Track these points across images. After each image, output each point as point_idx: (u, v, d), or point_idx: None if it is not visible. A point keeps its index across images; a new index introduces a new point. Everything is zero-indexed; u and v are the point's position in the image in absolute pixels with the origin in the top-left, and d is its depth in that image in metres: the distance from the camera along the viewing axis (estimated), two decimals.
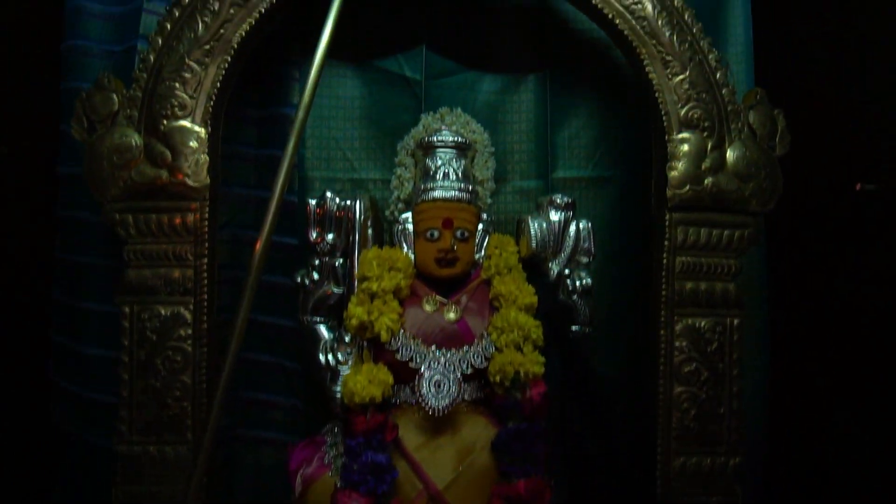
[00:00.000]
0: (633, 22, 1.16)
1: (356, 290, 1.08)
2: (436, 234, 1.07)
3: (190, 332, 1.10)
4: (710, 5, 1.39)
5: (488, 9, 1.35)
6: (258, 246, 0.97)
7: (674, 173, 1.12)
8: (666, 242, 1.13)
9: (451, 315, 1.04)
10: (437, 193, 1.09)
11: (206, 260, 1.12)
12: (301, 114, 1.00)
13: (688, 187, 1.12)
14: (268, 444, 1.33)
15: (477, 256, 1.15)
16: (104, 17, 1.34)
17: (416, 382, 0.98)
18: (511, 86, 1.40)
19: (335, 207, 1.17)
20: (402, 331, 1.02)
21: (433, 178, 1.11)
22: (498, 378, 1.00)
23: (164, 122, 1.11)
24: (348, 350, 1.07)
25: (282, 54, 1.33)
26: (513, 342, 1.01)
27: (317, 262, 1.18)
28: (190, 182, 1.10)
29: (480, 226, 1.16)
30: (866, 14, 1.29)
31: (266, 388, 1.36)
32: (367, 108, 1.36)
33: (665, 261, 1.13)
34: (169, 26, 1.13)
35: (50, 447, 1.34)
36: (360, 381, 0.97)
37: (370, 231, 1.17)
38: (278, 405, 1.36)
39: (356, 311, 1.02)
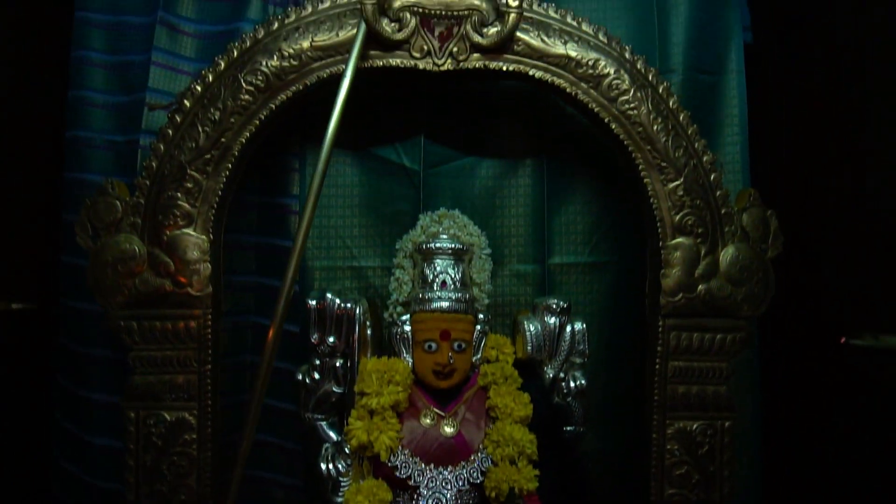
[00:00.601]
0: (629, 127, 1.17)
1: (356, 404, 1.10)
2: (433, 346, 1.10)
3: (195, 436, 1.13)
4: (705, 92, 1.41)
5: (486, 97, 1.36)
6: (266, 354, 1.01)
7: (667, 281, 1.15)
8: (659, 348, 1.15)
9: (449, 430, 1.07)
10: (435, 305, 1.11)
11: (209, 366, 1.14)
12: (307, 215, 1.04)
13: (681, 295, 1.14)
14: None
15: (475, 359, 1.18)
16: (106, 107, 1.36)
17: (416, 500, 1.01)
18: (508, 171, 1.41)
19: (335, 307, 1.20)
20: (400, 447, 1.05)
21: (431, 288, 1.13)
22: (493, 494, 1.03)
23: (167, 231, 1.13)
24: (348, 461, 1.10)
25: (282, 145, 1.35)
26: (508, 457, 1.04)
27: (317, 362, 1.20)
28: (193, 291, 1.13)
29: (478, 327, 1.18)
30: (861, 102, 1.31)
31: (268, 467, 1.39)
32: (366, 196, 1.38)
33: (658, 366, 1.15)
34: (171, 132, 1.15)
35: None
36: (360, 500, 1.00)
37: (369, 332, 1.20)
38: (279, 484, 1.39)
39: (357, 432, 1.05)
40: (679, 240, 1.15)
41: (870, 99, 1.31)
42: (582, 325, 1.20)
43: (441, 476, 1.04)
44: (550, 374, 1.18)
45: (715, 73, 1.43)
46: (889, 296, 1.15)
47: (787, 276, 1.20)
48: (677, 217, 1.16)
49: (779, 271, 1.19)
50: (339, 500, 1.08)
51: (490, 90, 1.36)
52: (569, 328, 1.19)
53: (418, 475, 1.04)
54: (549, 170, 1.40)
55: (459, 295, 1.13)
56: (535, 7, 1.19)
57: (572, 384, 1.18)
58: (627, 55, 1.20)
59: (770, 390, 1.33)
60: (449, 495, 1.01)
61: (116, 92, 1.36)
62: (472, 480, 1.05)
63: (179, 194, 1.13)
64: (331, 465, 1.11)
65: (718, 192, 1.18)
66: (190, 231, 1.13)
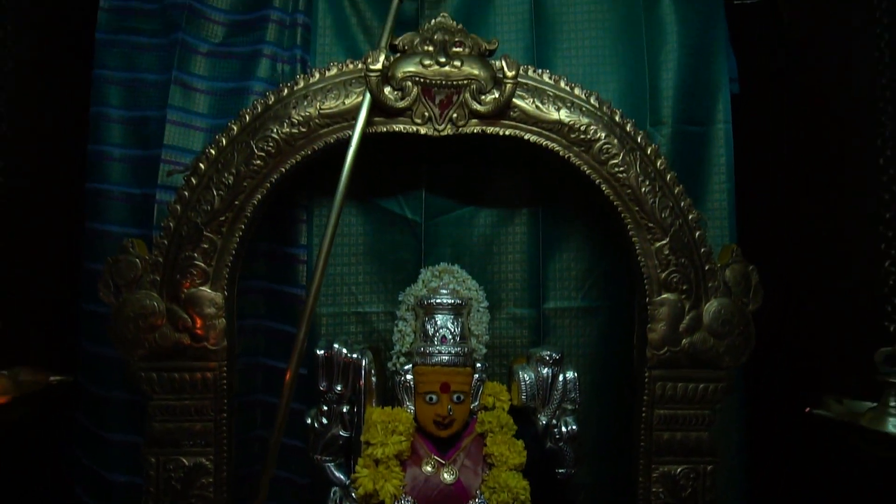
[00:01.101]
0: (619, 188, 1.24)
1: (362, 453, 1.18)
2: (434, 398, 1.18)
3: (211, 479, 1.21)
4: (694, 142, 1.48)
5: (484, 151, 1.43)
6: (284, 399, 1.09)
7: (653, 335, 1.22)
8: (645, 397, 1.23)
9: (449, 477, 1.15)
10: (436, 359, 1.19)
11: (225, 414, 1.22)
12: (317, 276, 1.13)
13: (666, 349, 1.22)
14: None
15: (473, 405, 1.25)
16: (124, 161, 1.43)
17: None
18: (506, 219, 1.49)
19: (342, 356, 1.27)
20: (404, 494, 1.13)
21: (432, 342, 1.21)
22: None
23: (185, 288, 1.20)
24: None
25: (290, 199, 1.42)
26: (503, 502, 1.12)
27: (325, 407, 1.28)
28: (209, 345, 1.20)
29: (476, 375, 1.26)
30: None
31: (278, 500, 1.47)
32: (370, 245, 1.46)
33: (644, 413, 1.23)
34: (187, 194, 1.22)
35: None
36: None
37: (374, 380, 1.28)
38: None
39: (363, 480, 1.13)
40: (665, 296, 1.23)
41: (849, 144, 1.38)
42: (573, 374, 1.28)
43: None
44: (544, 420, 1.26)
45: (703, 123, 1.50)
46: (866, 342, 1.22)
47: (772, 320, 1.27)
48: (663, 274, 1.23)
49: (764, 315, 1.26)
50: None
51: (488, 145, 1.43)
52: (561, 378, 1.27)
53: None
54: (544, 218, 1.48)
55: (458, 349, 1.21)
56: (530, 73, 1.26)
57: (564, 430, 1.26)
58: (618, 118, 1.27)
59: (756, 431, 1.41)
60: None
61: (133, 146, 1.44)
62: None
63: (196, 254, 1.20)
64: None
65: (703, 249, 1.25)
66: (206, 289, 1.21)
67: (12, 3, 1.28)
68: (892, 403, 0.96)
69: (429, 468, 1.17)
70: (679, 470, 1.23)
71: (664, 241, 1.23)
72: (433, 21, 1.26)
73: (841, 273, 1.36)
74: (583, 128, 1.24)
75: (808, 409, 1.03)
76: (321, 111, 1.21)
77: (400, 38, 1.25)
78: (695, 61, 1.49)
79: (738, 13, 1.56)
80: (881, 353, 1.01)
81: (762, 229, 1.52)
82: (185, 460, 1.21)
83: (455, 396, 1.18)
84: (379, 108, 1.21)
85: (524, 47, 1.48)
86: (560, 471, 1.26)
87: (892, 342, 1.02)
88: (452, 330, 1.22)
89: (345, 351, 1.27)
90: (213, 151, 1.22)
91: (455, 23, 1.26)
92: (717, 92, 1.49)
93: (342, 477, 1.27)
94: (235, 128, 1.23)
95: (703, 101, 1.49)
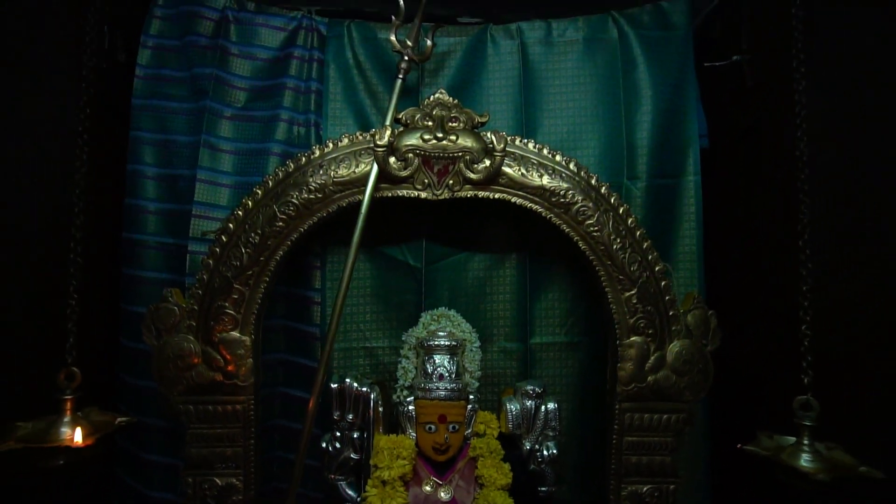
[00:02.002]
0: (594, 245, 1.42)
1: (371, 474, 1.37)
2: (433, 427, 1.37)
3: (241, 497, 1.40)
4: (666, 193, 1.65)
5: (477, 205, 1.60)
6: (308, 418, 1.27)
7: (622, 373, 1.41)
8: (616, 426, 1.41)
9: (445, 496, 1.35)
10: (434, 394, 1.38)
11: (252, 441, 1.41)
12: (333, 324, 1.32)
13: (633, 385, 1.40)
14: None
15: (467, 433, 1.44)
16: (158, 214, 1.61)
17: None
18: (496, 263, 1.67)
19: (354, 389, 1.46)
20: None
21: (431, 379, 1.40)
22: None
23: (217, 333, 1.39)
24: None
25: (305, 248, 1.60)
26: None
27: (338, 433, 1.47)
28: (239, 382, 1.39)
29: (469, 406, 1.44)
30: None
31: None
32: (376, 287, 1.64)
33: (615, 440, 1.42)
34: (218, 251, 1.40)
35: None
36: None
37: (381, 410, 1.46)
38: None
39: (372, 499, 1.32)
40: (633, 339, 1.41)
41: (813, 193, 1.53)
42: (554, 405, 1.47)
43: None
44: (528, 445, 1.45)
45: (675, 176, 1.67)
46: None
47: (732, 358, 1.45)
48: (631, 320, 1.41)
49: (726, 353, 1.43)
50: None
51: (481, 201, 1.61)
52: (543, 408, 1.46)
53: None
54: (530, 263, 1.66)
55: (454, 385, 1.40)
56: (517, 143, 1.44)
57: (546, 453, 1.44)
58: (594, 182, 1.44)
59: (720, 456, 1.60)
60: None
61: (166, 201, 1.61)
62: None
63: (227, 303, 1.39)
64: None
65: (667, 297, 1.43)
66: (236, 333, 1.39)
67: (59, 70, 1.47)
68: (806, 442, 1.15)
69: (428, 488, 1.36)
70: (645, 489, 1.42)
71: (633, 292, 1.41)
72: (432, 97, 1.43)
73: (786, 322, 1.52)
74: (562, 192, 1.42)
75: (739, 445, 1.21)
76: (335, 179, 1.40)
77: (403, 113, 1.42)
78: (667, 120, 1.66)
79: (709, 75, 1.73)
80: (797, 401, 1.20)
81: (728, 273, 1.70)
82: (218, 480, 1.40)
83: (451, 426, 1.37)
84: (385, 176, 1.40)
85: (514, 108, 1.66)
86: (542, 489, 1.45)
87: (806, 392, 1.20)
88: (448, 368, 1.41)
89: (356, 385, 1.46)
90: (240, 213, 1.40)
91: (451, 98, 1.44)
92: (688, 147, 1.66)
93: (353, 494, 1.46)
94: (260, 192, 1.41)
95: (674, 155, 1.66)
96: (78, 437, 1.18)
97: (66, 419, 1.20)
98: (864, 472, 1.08)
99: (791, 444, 1.17)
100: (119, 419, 1.28)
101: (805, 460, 1.11)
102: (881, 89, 1.37)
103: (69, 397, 1.23)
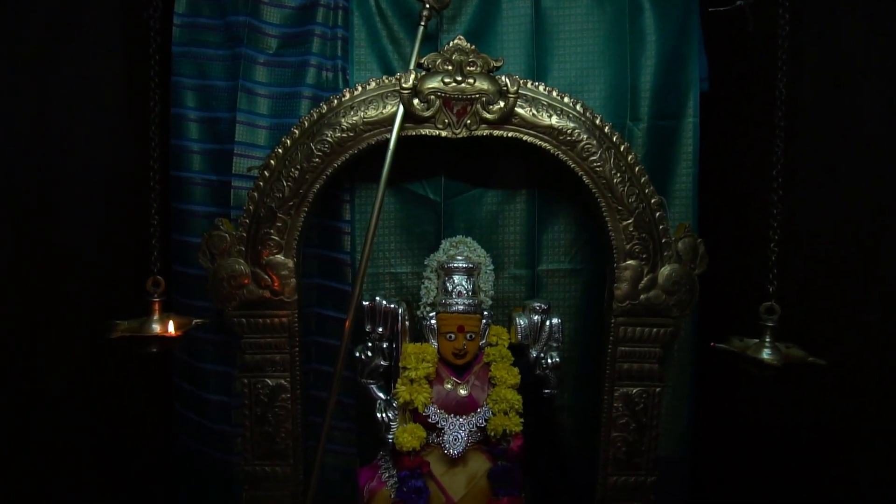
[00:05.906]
0: (596, 179, 1.59)
1: (400, 375, 1.60)
2: (453, 336, 1.59)
3: (288, 395, 1.64)
4: (666, 135, 1.79)
5: (492, 144, 1.76)
6: (345, 336, 1.50)
7: (618, 292, 1.60)
8: (611, 337, 1.62)
9: (463, 392, 1.58)
10: (454, 308, 1.60)
11: (296, 349, 1.64)
12: (366, 253, 1.51)
13: (628, 302, 1.60)
14: (329, 454, 1.88)
15: (481, 343, 1.66)
16: (202, 153, 1.77)
17: (441, 437, 1.54)
18: (508, 198, 1.83)
19: (383, 307, 1.67)
20: (431, 403, 1.56)
21: (450, 296, 1.61)
22: (493, 433, 1.55)
23: (265, 256, 1.58)
24: (395, 412, 1.61)
25: (337, 182, 1.77)
26: (502, 410, 1.55)
27: (370, 344, 1.69)
28: (285, 298, 1.60)
29: (483, 321, 1.66)
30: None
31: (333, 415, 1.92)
32: (400, 219, 1.82)
33: (610, 349, 1.63)
34: (262, 184, 1.58)
35: (175, 466, 1.91)
36: (406, 436, 1.53)
37: (407, 324, 1.68)
38: (338, 427, 1.89)
39: (402, 393, 1.56)
40: (629, 262, 1.60)
41: (803, 139, 1.65)
42: (558, 320, 1.68)
43: (458, 422, 1.57)
44: (534, 354, 1.67)
45: (675, 118, 1.79)
46: (803, 300, 1.55)
47: (719, 280, 1.62)
48: (628, 246, 1.59)
49: (713, 276, 1.61)
50: (391, 437, 1.60)
51: (495, 140, 1.76)
52: (548, 322, 1.67)
53: (443, 421, 1.56)
54: (539, 197, 1.82)
55: (470, 301, 1.61)
56: (528, 86, 1.58)
57: (549, 360, 1.67)
58: (598, 122, 1.59)
59: (704, 363, 1.81)
60: (463, 434, 1.55)
61: (208, 141, 1.77)
62: (478, 425, 1.57)
63: (272, 231, 1.58)
64: (384, 415, 1.63)
65: (661, 227, 1.60)
66: (280, 256, 1.59)
67: (106, 22, 1.60)
68: (767, 340, 1.35)
69: (448, 386, 1.60)
70: (635, 391, 1.65)
71: (630, 220, 1.59)
72: (451, 43, 1.56)
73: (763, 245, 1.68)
74: (569, 131, 1.57)
75: (712, 344, 1.43)
76: (364, 119, 1.55)
77: (425, 58, 1.56)
78: (670, 64, 1.76)
79: (712, 20, 1.82)
80: (763, 306, 1.39)
81: (720, 206, 1.86)
82: (269, 381, 1.64)
83: (468, 335, 1.59)
84: (409, 117, 1.55)
85: (526, 53, 1.78)
86: (546, 391, 1.68)
87: (770, 299, 1.39)
88: (466, 287, 1.61)
89: (385, 302, 1.67)
90: (280, 151, 1.57)
91: (469, 44, 1.56)
92: (689, 90, 1.77)
93: (382, 395, 1.69)
94: (297, 132, 1.57)
95: (676, 98, 1.78)
96: (171, 328, 1.42)
97: (156, 317, 1.44)
98: (811, 361, 1.30)
99: (756, 343, 1.38)
100: (195, 320, 1.51)
101: (766, 353, 1.32)
102: (876, 38, 1.46)
103: (157, 300, 1.46)
